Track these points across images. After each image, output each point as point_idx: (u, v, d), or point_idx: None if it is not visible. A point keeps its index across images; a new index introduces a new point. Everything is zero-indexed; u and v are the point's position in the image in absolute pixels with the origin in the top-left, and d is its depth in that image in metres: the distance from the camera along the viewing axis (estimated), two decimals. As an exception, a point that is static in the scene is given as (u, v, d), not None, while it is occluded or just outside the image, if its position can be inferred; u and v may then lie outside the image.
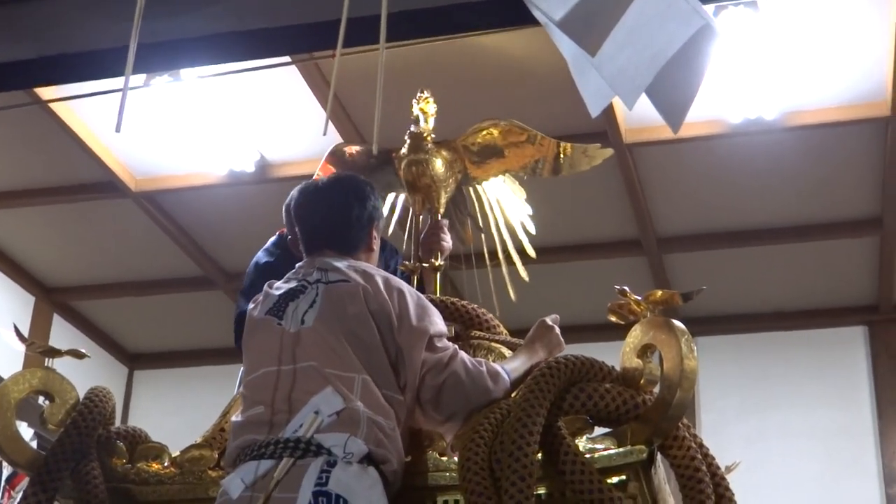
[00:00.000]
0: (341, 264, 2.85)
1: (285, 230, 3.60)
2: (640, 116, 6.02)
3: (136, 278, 7.83)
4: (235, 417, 2.75)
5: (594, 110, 1.50)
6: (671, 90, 1.45)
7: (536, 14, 1.44)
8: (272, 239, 3.79)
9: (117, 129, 1.56)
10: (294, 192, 3.12)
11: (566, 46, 1.49)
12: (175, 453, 3.04)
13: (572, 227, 7.14)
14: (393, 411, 2.67)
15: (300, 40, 2.98)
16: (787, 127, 6.16)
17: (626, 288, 2.82)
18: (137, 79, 5.44)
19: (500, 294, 3.68)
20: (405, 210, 3.80)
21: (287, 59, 5.14)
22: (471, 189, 3.74)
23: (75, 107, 6.05)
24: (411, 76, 5.12)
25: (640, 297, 2.82)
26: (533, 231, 3.69)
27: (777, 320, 7.89)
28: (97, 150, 6.43)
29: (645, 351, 2.78)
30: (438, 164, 3.55)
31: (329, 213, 2.96)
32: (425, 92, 3.63)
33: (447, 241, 3.52)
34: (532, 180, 3.68)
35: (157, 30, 2.49)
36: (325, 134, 2.17)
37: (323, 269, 2.85)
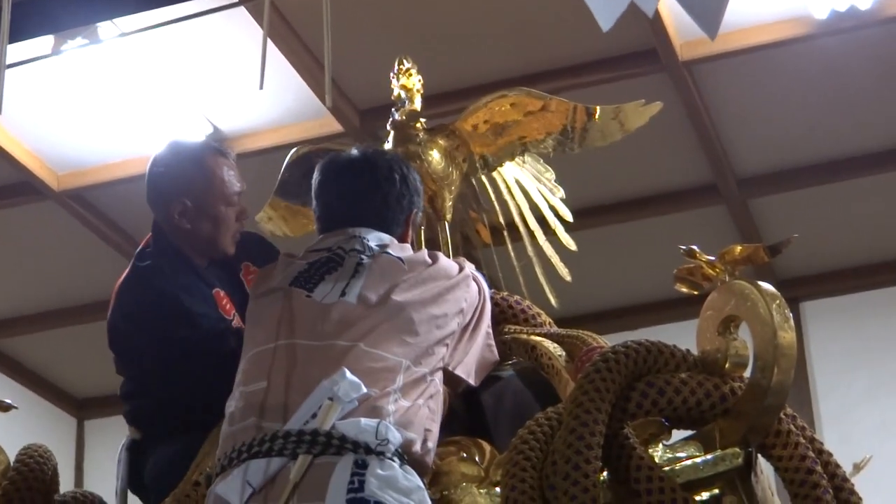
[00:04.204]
0: (385, 237, 3.03)
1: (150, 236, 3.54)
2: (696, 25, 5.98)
3: (73, 303, 7.85)
4: (232, 400, 2.80)
5: (605, 23, 1.50)
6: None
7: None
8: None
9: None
10: (325, 160, 3.21)
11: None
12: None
13: (630, 178, 7.13)
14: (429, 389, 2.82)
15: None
16: (889, 17, 6.10)
17: (693, 247, 2.82)
18: (44, 45, 5.42)
19: (550, 278, 3.71)
20: None
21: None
22: (483, 177, 3.72)
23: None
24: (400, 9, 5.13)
25: (713, 258, 2.81)
26: (570, 218, 3.72)
27: (901, 270, 7.87)
28: (5, 143, 6.46)
29: (727, 326, 2.79)
30: (436, 157, 3.55)
31: (370, 183, 3.10)
32: (406, 62, 3.60)
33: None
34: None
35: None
36: (261, 88, 2.18)
37: (361, 238, 3.00)
